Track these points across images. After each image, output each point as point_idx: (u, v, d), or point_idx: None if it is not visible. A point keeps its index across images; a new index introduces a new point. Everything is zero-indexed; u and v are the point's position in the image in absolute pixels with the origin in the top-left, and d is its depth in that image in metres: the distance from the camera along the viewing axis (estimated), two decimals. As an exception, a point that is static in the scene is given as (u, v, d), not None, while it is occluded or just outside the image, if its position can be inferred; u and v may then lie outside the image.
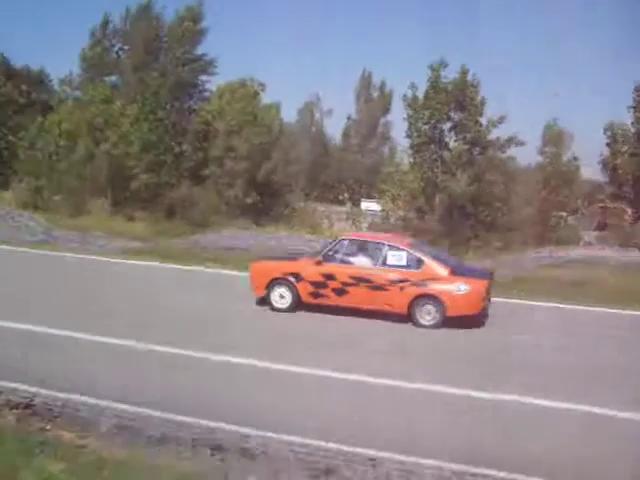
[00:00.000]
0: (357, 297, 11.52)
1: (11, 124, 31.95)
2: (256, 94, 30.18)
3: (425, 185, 22.68)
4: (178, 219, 24.73)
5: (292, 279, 11.88)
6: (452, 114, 23.00)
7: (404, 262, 11.55)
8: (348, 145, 56.69)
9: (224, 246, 19.39)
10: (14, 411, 6.92)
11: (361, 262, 11.81)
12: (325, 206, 31.71)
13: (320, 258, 11.99)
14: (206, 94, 31.56)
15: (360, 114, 56.96)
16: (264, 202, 28.78)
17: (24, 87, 34.34)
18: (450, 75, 22.93)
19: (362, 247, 12.10)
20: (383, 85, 56.42)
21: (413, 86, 23.26)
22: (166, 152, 27.35)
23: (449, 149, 23.21)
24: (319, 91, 57.24)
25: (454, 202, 22.09)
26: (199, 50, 31.09)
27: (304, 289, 11.82)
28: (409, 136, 23.47)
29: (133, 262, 17.21)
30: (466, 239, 21.24)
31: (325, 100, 57.96)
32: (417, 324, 11.19)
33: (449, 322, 11.03)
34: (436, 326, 11.09)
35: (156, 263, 16.97)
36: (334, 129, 71.37)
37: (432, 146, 22.94)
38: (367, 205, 32.44)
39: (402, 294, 11.30)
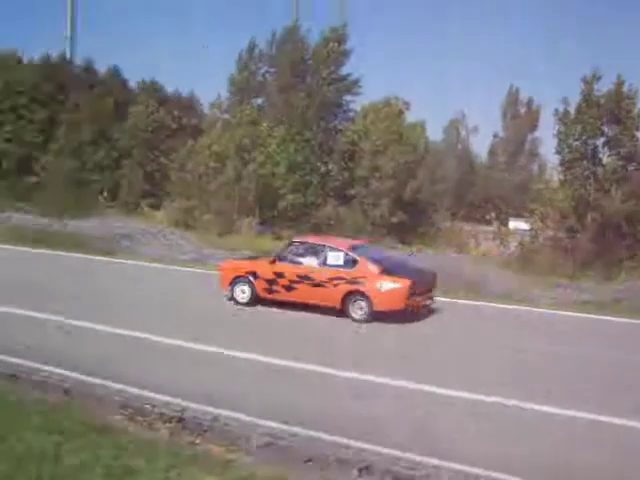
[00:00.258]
0: (302, 293, 13.79)
1: (163, 147, 35.24)
2: (400, 113, 31.58)
3: (576, 203, 22.51)
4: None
5: (251, 277, 14.32)
6: (605, 128, 22.92)
7: (341, 262, 13.69)
8: (495, 163, 56.44)
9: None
10: (167, 425, 7.47)
11: (306, 262, 14.03)
12: (472, 225, 32.37)
13: (273, 258, 14.45)
14: (351, 114, 33.14)
15: (507, 131, 56.73)
16: (410, 221, 29.95)
17: (175, 112, 37.81)
18: (603, 87, 22.88)
19: (308, 249, 14.34)
20: (530, 101, 55.95)
21: (565, 101, 23.42)
22: (312, 172, 29.12)
23: (602, 165, 23.09)
24: (464, 108, 57.63)
25: (607, 221, 21.85)
26: (344, 70, 32.67)
27: (260, 285, 14.22)
28: (559, 152, 23.58)
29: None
30: (619, 260, 21.12)
31: (470, 117, 58.08)
32: (350, 318, 13.32)
33: (379, 316, 13.11)
34: (367, 320, 13.18)
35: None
36: (480, 147, 70.98)
37: (584, 162, 22.88)
38: (516, 224, 32.73)
39: (336, 290, 13.45)
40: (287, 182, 28.81)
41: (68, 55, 44.87)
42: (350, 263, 13.66)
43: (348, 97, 33.11)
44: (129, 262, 20.98)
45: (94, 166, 34.75)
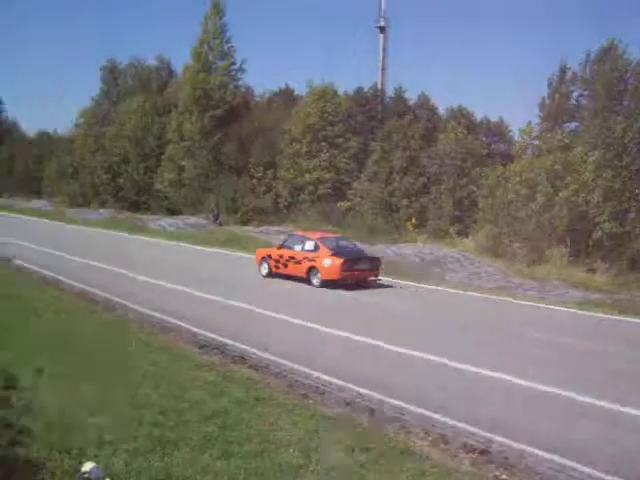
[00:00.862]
0: (290, 268, 21.43)
1: (472, 174, 36.04)
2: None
3: None
4: (642, 271, 24.74)
5: (268, 258, 22.28)
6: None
7: (312, 247, 20.96)
8: None
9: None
10: (470, 455, 7.50)
11: (295, 248, 21.54)
12: None
13: (279, 245, 22.64)
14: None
15: None
16: None
17: (484, 139, 38.57)
18: None
19: (296, 239, 22.31)
20: None
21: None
22: (630, 200, 27.85)
23: None
24: None
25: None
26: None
27: (272, 264, 22.11)
28: None
29: (591, 314, 17.75)
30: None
31: None
32: (312, 284, 20.48)
33: (327, 284, 20.09)
34: (321, 286, 20.26)
35: (618, 317, 17.41)
36: None
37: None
38: None
39: (305, 266, 20.77)
40: (603, 211, 27.75)
41: (380, 85, 48.25)
42: (316, 248, 20.83)
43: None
44: (443, 289, 21.74)
45: (403, 192, 36.68)
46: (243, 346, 12.07)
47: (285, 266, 21.52)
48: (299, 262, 20.97)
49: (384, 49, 51.84)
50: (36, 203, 62.04)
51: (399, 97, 44.15)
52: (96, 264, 23.27)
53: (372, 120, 43.32)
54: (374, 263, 21.42)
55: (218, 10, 48.77)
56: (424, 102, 42.84)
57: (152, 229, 40.39)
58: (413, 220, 34.95)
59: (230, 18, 49.71)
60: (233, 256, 29.25)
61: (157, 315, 14.92)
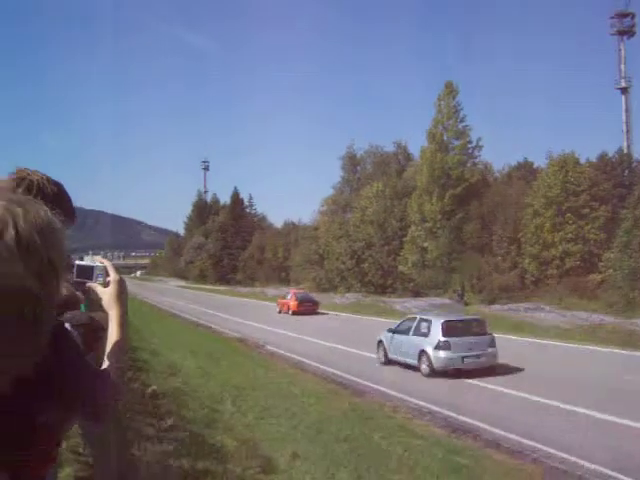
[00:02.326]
0: (285, 308, 42.92)
1: None
2: None
3: None
4: None
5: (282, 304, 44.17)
6: None
7: (290, 297, 43.48)
8: None
9: None
10: None
11: (287, 297, 44.20)
12: None
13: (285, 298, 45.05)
14: None
15: None
16: None
17: None
18: None
19: (287, 293, 46.65)
20: None
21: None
22: None
23: None
24: None
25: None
26: None
27: (282, 307, 44.04)
28: None
29: None
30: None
31: None
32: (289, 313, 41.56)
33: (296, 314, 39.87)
34: (292, 314, 40.85)
35: None
36: None
37: None
38: None
39: (289, 306, 42.45)
40: None
41: (625, 148, 47.33)
42: (291, 297, 42.78)
43: None
44: None
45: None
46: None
47: (287, 308, 42.98)
48: (285, 305, 43.72)
49: (627, 110, 50.98)
50: (284, 290, 67.30)
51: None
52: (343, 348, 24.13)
53: (619, 187, 42.57)
54: (316, 303, 44.04)
55: (451, 90, 51.10)
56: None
57: (398, 311, 42.41)
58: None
59: (464, 96, 51.53)
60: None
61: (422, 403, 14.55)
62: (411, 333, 18.78)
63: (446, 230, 48.58)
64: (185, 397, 12.36)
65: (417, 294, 49.55)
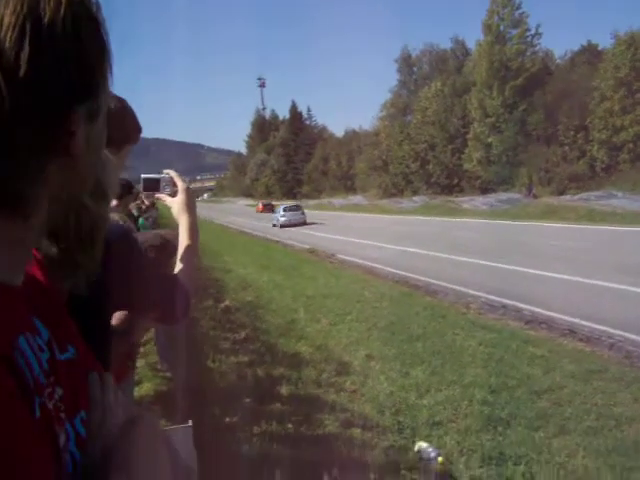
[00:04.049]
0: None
1: None
2: None
3: None
4: None
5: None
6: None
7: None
8: None
9: None
10: None
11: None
12: None
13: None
14: None
15: None
16: None
17: None
18: None
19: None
20: None
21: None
22: None
23: None
24: None
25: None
26: None
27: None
28: None
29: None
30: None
31: None
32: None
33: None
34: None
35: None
36: None
37: None
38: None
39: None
40: None
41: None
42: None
43: None
44: None
45: None
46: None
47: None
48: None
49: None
50: (351, 199, 67.67)
51: None
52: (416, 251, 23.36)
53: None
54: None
55: (504, -23, 48.99)
56: None
57: (467, 209, 42.22)
58: None
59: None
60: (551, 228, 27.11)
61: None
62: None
63: (509, 123, 47.61)
64: (259, 310, 12.76)
65: (485, 191, 49.17)
